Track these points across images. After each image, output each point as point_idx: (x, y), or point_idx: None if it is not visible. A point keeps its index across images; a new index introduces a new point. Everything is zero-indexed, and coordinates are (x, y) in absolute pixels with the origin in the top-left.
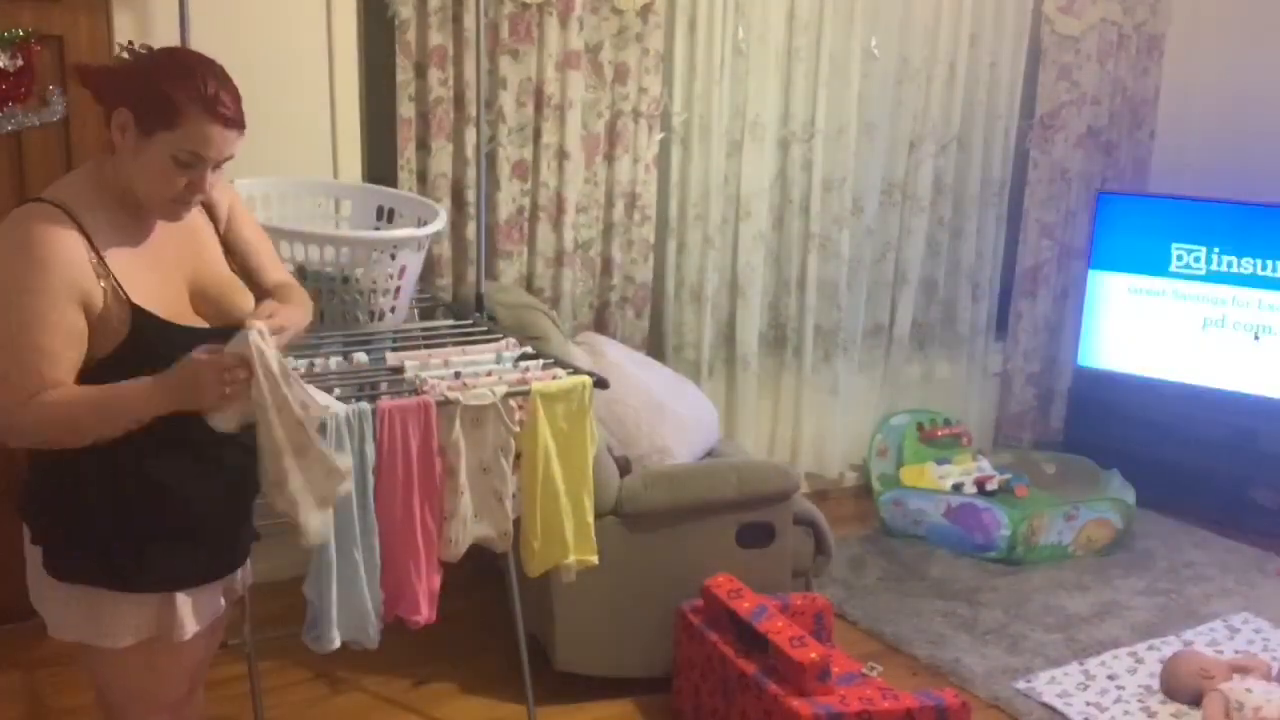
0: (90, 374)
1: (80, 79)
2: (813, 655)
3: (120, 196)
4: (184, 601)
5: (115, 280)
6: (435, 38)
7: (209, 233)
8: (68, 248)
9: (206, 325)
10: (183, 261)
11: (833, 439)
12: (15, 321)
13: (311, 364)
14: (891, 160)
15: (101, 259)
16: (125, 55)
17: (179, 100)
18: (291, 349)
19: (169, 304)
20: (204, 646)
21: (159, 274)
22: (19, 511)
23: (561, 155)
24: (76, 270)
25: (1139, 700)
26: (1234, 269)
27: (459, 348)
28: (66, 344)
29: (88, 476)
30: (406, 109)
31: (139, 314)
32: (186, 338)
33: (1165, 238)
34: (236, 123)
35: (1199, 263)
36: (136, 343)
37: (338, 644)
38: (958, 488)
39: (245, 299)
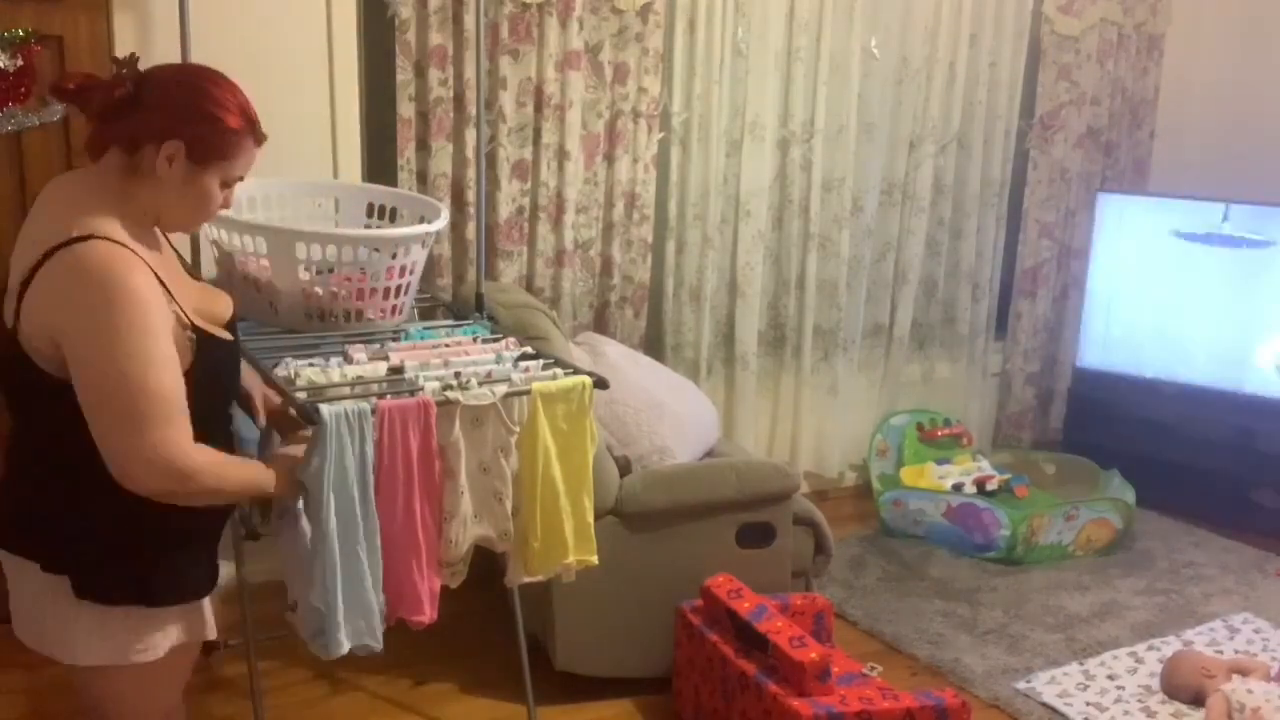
0: None
1: (93, 106)
2: (813, 655)
3: (141, 219)
4: (206, 604)
5: (178, 304)
6: (435, 38)
7: None
8: (150, 282)
9: (229, 336)
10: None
11: (832, 439)
12: (142, 365)
13: (311, 363)
14: (891, 160)
15: (165, 287)
16: (123, 71)
17: (241, 132)
18: (291, 349)
19: (202, 318)
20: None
21: (186, 291)
22: (21, 547)
23: (561, 155)
24: (163, 302)
25: (1139, 700)
26: (1233, 269)
27: (459, 347)
28: (180, 381)
29: (118, 494)
30: (406, 109)
31: (200, 334)
32: (229, 350)
33: (1164, 238)
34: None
35: (1198, 263)
36: (205, 362)
37: (347, 648)
38: (958, 488)
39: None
